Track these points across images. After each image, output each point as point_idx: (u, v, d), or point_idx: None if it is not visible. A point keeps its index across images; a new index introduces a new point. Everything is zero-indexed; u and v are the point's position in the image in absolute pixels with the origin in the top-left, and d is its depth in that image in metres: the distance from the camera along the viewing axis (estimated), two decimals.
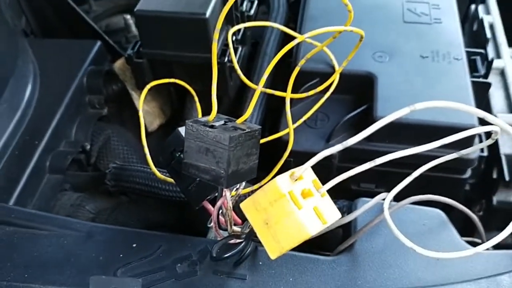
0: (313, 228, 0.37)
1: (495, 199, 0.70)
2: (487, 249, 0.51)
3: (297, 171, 0.39)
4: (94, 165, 0.71)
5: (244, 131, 0.42)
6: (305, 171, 0.40)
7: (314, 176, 0.41)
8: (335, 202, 0.61)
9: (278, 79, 0.70)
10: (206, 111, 0.53)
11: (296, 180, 0.40)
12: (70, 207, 0.63)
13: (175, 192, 0.60)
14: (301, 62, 0.56)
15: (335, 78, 0.64)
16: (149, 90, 0.74)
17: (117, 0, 0.98)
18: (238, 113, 0.71)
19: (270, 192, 0.38)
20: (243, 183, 0.46)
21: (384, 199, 0.49)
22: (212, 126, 0.42)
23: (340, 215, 0.41)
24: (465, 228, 0.62)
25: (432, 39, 0.71)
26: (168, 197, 0.60)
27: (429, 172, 0.65)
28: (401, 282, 0.47)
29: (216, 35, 0.42)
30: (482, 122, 0.74)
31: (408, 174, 0.53)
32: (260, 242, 0.45)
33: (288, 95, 0.55)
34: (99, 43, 0.76)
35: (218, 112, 0.45)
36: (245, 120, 0.45)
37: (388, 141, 0.64)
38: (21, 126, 0.64)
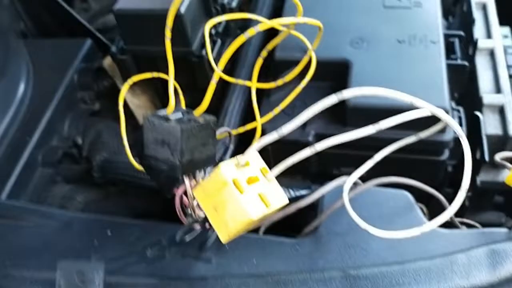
0: (255, 212, 0.39)
1: (478, 179, 0.70)
2: (452, 228, 0.53)
3: (242, 157, 0.41)
4: (86, 158, 0.74)
5: (197, 123, 0.44)
6: (252, 158, 0.42)
7: (261, 163, 0.43)
8: (309, 187, 0.64)
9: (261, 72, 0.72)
10: (193, 103, 0.55)
11: (242, 166, 0.41)
12: (62, 199, 0.66)
13: None
14: (263, 53, 0.57)
15: (307, 61, 0.65)
16: (139, 84, 0.78)
17: None
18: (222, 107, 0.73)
19: (215, 179, 0.40)
20: (204, 172, 0.48)
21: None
22: (167, 119, 0.45)
23: (287, 201, 0.43)
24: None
25: (410, 23, 0.71)
26: (150, 186, 0.63)
27: (407, 154, 0.66)
28: (362, 261, 0.49)
29: (168, 33, 0.44)
30: (469, 103, 0.74)
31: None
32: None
33: (253, 84, 0.57)
34: (89, 41, 0.79)
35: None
36: (204, 112, 0.47)
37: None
38: (14, 123, 0.68)
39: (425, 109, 0.41)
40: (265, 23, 0.46)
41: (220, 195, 0.40)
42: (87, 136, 0.74)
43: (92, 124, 0.76)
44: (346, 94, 0.38)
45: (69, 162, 0.72)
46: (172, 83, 0.47)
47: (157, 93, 0.81)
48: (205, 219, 0.47)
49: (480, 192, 0.72)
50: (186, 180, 0.46)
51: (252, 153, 0.42)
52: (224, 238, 0.42)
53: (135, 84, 0.74)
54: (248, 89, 0.74)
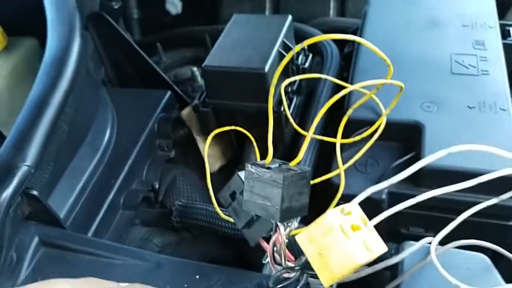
0: (361, 257, 0.41)
1: None
2: None
3: (346, 206, 0.44)
4: (161, 202, 0.78)
5: (296, 172, 0.48)
6: (354, 208, 0.45)
7: (361, 213, 0.45)
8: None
9: (329, 127, 0.76)
10: (263, 154, 0.59)
11: (345, 215, 0.44)
12: (140, 241, 0.69)
13: (234, 229, 0.66)
14: (349, 112, 0.61)
15: (381, 122, 0.68)
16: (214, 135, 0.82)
17: (184, 52, 1.08)
18: (293, 157, 0.76)
19: (322, 224, 0.42)
20: (295, 222, 0.51)
21: (429, 243, 0.53)
22: (268, 168, 0.48)
23: (387, 249, 0.44)
24: None
25: (479, 90, 0.74)
26: (227, 234, 0.66)
27: (476, 218, 0.67)
28: None
29: (272, 89, 0.48)
30: None
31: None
32: (312, 275, 0.50)
33: (338, 140, 0.60)
34: (169, 93, 0.85)
35: (274, 156, 0.51)
36: (297, 163, 0.50)
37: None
38: (100, 166, 0.73)
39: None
40: (360, 84, 0.50)
41: (326, 239, 0.42)
42: (163, 181, 0.78)
43: (167, 170, 0.80)
44: (454, 149, 0.42)
45: (146, 205, 0.76)
46: (271, 135, 0.50)
47: (230, 144, 0.85)
48: (299, 269, 0.50)
49: None
50: (281, 227, 0.49)
51: (355, 203, 0.44)
52: (327, 283, 0.43)
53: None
54: (318, 144, 0.77)
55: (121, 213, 0.72)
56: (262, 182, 0.48)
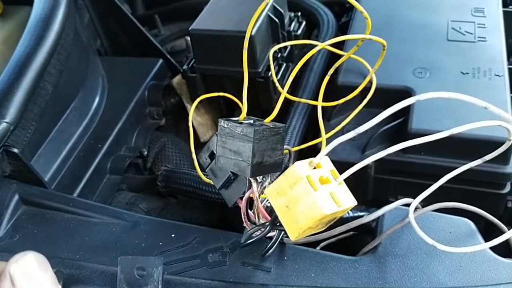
0: (328, 208, 0.40)
1: None
2: None
3: (314, 159, 0.43)
4: (150, 169, 0.78)
5: (269, 127, 0.47)
6: (324, 161, 0.43)
7: (332, 166, 0.44)
8: (365, 210, 0.64)
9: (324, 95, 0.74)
10: None
11: (314, 168, 0.43)
12: (125, 205, 0.69)
13: (217, 194, 0.65)
14: (330, 71, 0.59)
15: (367, 83, 0.66)
16: (203, 103, 0.81)
17: (182, 25, 1.07)
18: None
19: (289, 176, 0.41)
20: (269, 178, 0.50)
21: (408, 204, 0.51)
22: (241, 123, 0.47)
23: (356, 203, 0.43)
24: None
25: (474, 56, 0.72)
26: (210, 198, 0.65)
27: (468, 186, 0.66)
28: (422, 284, 0.48)
29: (246, 43, 0.47)
30: None
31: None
32: (283, 231, 0.49)
33: (319, 103, 0.59)
34: (160, 61, 0.84)
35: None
36: (272, 120, 0.49)
37: (424, 153, 0.65)
38: (88, 131, 0.73)
39: (496, 121, 0.41)
40: (334, 39, 0.48)
41: (293, 191, 0.41)
42: (152, 148, 0.78)
43: (157, 137, 0.80)
44: (423, 96, 0.40)
45: (134, 172, 0.75)
46: (245, 92, 0.49)
47: (220, 113, 0.85)
48: (268, 225, 0.49)
49: None
50: (254, 184, 0.48)
51: (323, 156, 0.43)
52: (293, 236, 0.42)
53: (200, 103, 0.78)
54: (308, 110, 0.76)
55: (107, 177, 0.72)
56: (234, 137, 0.47)
